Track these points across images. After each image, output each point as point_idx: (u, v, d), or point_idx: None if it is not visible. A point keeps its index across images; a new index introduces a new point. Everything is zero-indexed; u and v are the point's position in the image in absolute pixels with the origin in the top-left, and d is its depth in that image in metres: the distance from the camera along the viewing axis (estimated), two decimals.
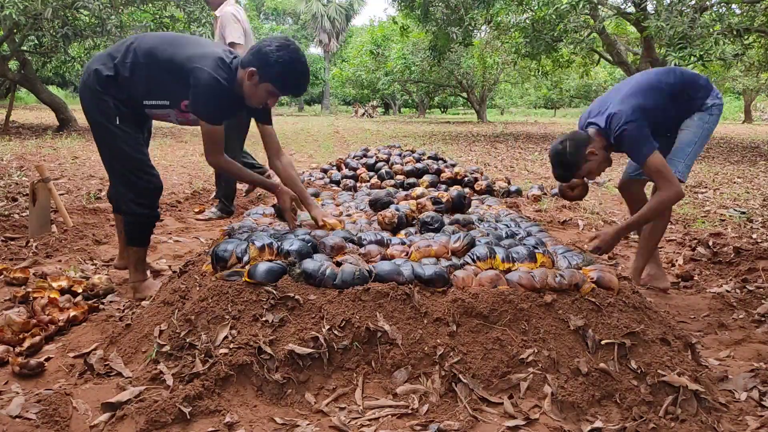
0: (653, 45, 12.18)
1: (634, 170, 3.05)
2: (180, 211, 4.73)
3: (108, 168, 2.65)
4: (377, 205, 3.09)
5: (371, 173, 5.67)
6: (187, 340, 1.86)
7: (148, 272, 2.82)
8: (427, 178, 5.41)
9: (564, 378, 1.79)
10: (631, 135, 2.60)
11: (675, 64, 9.32)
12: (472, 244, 2.23)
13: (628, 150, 2.69)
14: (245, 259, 2.05)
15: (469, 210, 3.36)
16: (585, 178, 2.89)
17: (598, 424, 1.67)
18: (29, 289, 2.58)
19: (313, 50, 45.25)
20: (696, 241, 3.87)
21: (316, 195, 3.78)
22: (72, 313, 2.37)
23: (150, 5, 11.31)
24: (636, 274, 2.92)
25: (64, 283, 2.67)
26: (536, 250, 2.19)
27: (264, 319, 1.87)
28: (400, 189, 5.24)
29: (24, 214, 4.08)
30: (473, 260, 2.11)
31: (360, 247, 2.25)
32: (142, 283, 2.70)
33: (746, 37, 9.82)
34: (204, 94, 2.31)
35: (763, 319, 2.53)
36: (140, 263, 2.71)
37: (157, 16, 11.65)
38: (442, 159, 5.98)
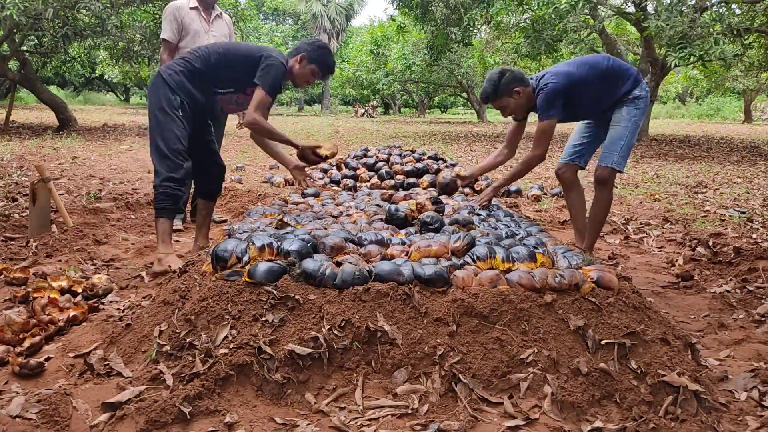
0: (653, 45, 12.19)
1: (568, 155, 3.33)
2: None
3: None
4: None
5: (371, 173, 5.68)
6: (187, 340, 1.86)
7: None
8: (427, 178, 5.41)
9: (564, 378, 1.79)
10: (547, 92, 2.97)
11: (675, 64, 9.33)
12: (472, 244, 2.23)
13: (539, 104, 3.01)
14: (245, 259, 2.05)
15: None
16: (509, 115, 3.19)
17: (598, 424, 1.67)
18: (29, 289, 2.58)
19: None
20: (696, 241, 3.87)
21: (317, 195, 3.78)
22: (72, 313, 2.37)
23: (150, 5, 11.31)
24: (588, 250, 3.22)
25: (64, 283, 2.67)
26: (536, 250, 2.19)
27: (264, 319, 1.87)
28: (400, 189, 5.24)
29: (24, 214, 4.08)
30: (473, 260, 2.11)
31: (360, 247, 2.25)
32: (166, 257, 2.98)
33: (746, 37, 9.81)
34: (273, 73, 2.95)
35: (763, 319, 2.53)
36: (165, 235, 3.03)
37: (157, 16, 11.64)
38: (442, 159, 5.98)
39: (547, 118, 3.01)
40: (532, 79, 3.12)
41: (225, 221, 4.36)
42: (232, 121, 5.40)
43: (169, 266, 2.88)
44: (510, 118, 3.23)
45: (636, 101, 3.06)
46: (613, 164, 3.07)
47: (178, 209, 3.07)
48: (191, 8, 4.09)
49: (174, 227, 4.01)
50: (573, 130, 3.44)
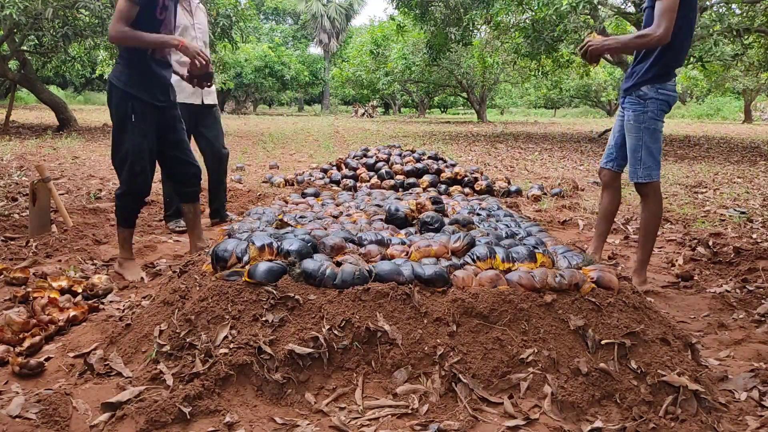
0: None
1: (604, 158, 3.13)
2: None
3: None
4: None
5: (371, 173, 5.68)
6: (187, 340, 1.86)
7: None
8: (427, 178, 5.41)
9: (564, 378, 1.79)
10: None
11: None
12: (472, 244, 2.23)
13: None
14: (245, 259, 2.05)
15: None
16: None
17: (598, 424, 1.67)
18: (29, 289, 2.58)
19: (313, 50, 45.26)
20: (696, 241, 3.87)
21: (317, 195, 3.78)
22: (72, 313, 2.37)
23: None
24: (641, 266, 2.97)
25: (64, 283, 2.67)
26: (536, 250, 2.19)
27: (264, 319, 1.87)
28: (400, 189, 5.25)
29: (24, 214, 4.08)
30: (473, 260, 2.11)
31: (360, 247, 2.25)
32: (126, 261, 3.02)
33: (746, 37, 9.82)
34: None
35: (763, 319, 2.53)
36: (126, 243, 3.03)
37: None
38: (442, 159, 5.98)
39: None
40: None
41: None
42: (231, 121, 5.40)
43: (130, 275, 2.98)
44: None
45: (643, 102, 2.80)
46: (639, 179, 2.84)
47: (132, 222, 3.07)
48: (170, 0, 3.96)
49: (178, 228, 4.03)
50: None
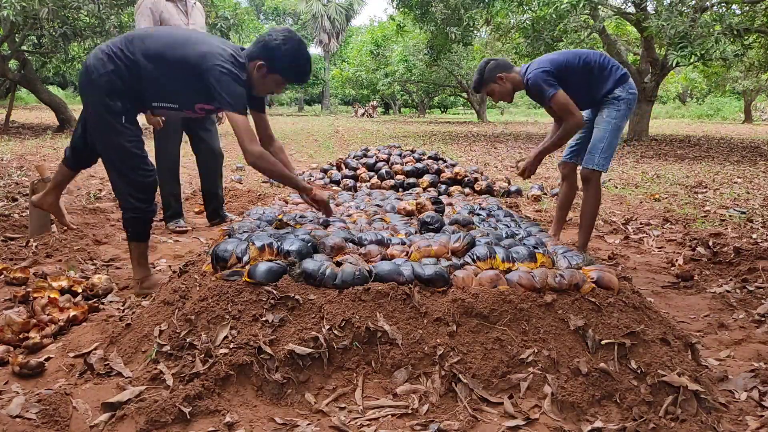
0: (653, 45, 12.19)
1: (566, 154, 3.51)
2: None
3: (106, 162, 2.65)
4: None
5: (371, 173, 5.68)
6: (187, 340, 1.86)
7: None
8: (427, 178, 5.41)
9: (564, 378, 1.79)
10: (535, 79, 3.05)
11: (677, 63, 9.34)
12: (472, 244, 2.23)
13: (536, 93, 3.10)
14: (245, 259, 2.05)
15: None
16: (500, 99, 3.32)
17: (598, 424, 1.67)
18: (29, 289, 2.58)
19: (313, 50, 45.20)
20: (696, 241, 3.87)
21: None
22: (72, 313, 2.37)
23: None
24: (584, 249, 3.37)
25: (64, 283, 2.67)
26: (536, 250, 2.19)
27: (264, 319, 1.87)
28: (400, 189, 5.25)
29: (24, 214, 4.08)
30: (473, 260, 2.11)
31: (360, 247, 2.25)
32: (148, 278, 2.73)
33: (746, 37, 9.82)
34: (232, 90, 2.36)
35: (763, 319, 2.53)
36: (143, 258, 2.73)
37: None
38: (442, 159, 5.98)
39: (554, 94, 3.04)
40: (522, 67, 3.26)
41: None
42: None
43: (155, 288, 2.64)
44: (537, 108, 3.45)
45: (617, 102, 3.15)
46: (595, 166, 3.20)
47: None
48: (167, 0, 3.78)
49: (178, 228, 4.03)
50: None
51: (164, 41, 2.47)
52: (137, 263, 2.72)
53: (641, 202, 5.56)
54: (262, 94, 2.60)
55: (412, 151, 6.13)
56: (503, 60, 3.27)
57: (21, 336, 2.14)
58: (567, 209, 3.63)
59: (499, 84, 3.21)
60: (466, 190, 5.38)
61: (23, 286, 2.70)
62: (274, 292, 1.92)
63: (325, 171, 6.01)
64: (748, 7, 10.69)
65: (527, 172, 3.43)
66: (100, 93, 2.45)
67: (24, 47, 11.98)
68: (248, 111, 2.52)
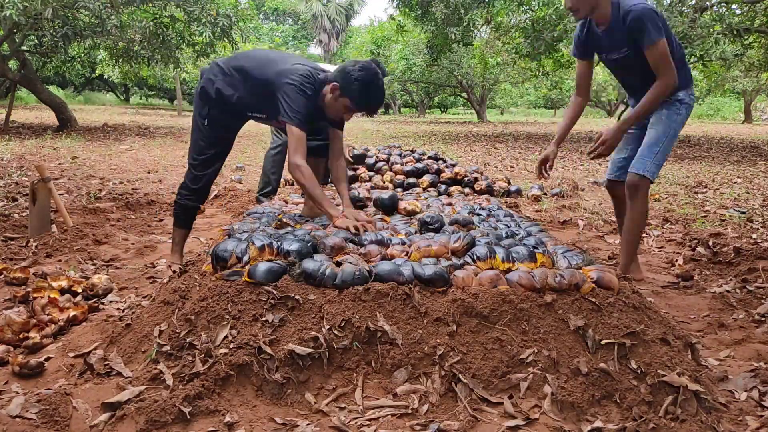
0: None
1: (613, 170, 3.14)
2: None
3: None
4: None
5: (371, 173, 5.67)
6: (187, 340, 1.86)
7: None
8: (427, 178, 5.40)
9: (564, 378, 1.79)
10: (647, 12, 2.60)
11: None
12: (472, 244, 2.23)
13: (636, 28, 2.62)
14: (245, 259, 2.05)
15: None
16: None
17: (598, 424, 1.67)
18: (29, 289, 2.58)
19: (313, 50, 45.27)
20: (696, 241, 3.87)
21: None
22: (72, 313, 2.37)
23: (150, 5, 11.30)
24: (624, 271, 2.96)
25: (64, 283, 2.67)
26: (536, 250, 2.19)
27: (264, 319, 1.87)
28: (400, 189, 5.24)
29: (24, 214, 4.08)
30: (473, 260, 2.11)
31: (360, 247, 2.25)
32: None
33: (746, 37, 9.82)
34: (292, 100, 2.50)
35: (763, 319, 2.53)
36: (175, 245, 3.08)
37: (157, 16, 11.64)
38: (442, 159, 5.97)
39: (659, 39, 2.60)
40: None
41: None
42: None
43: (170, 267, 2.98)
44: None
45: (679, 105, 2.82)
46: (645, 172, 2.78)
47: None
48: None
49: (262, 200, 4.15)
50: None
51: (257, 62, 2.70)
52: (172, 248, 3.10)
53: None
54: (333, 116, 2.65)
55: (412, 151, 6.13)
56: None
57: (21, 336, 2.14)
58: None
59: None
60: (466, 190, 5.38)
61: (23, 286, 2.70)
62: (274, 292, 1.91)
63: None
64: (747, 7, 10.69)
65: (606, 149, 2.83)
66: (197, 99, 2.84)
67: (24, 47, 11.97)
68: (321, 127, 2.79)
